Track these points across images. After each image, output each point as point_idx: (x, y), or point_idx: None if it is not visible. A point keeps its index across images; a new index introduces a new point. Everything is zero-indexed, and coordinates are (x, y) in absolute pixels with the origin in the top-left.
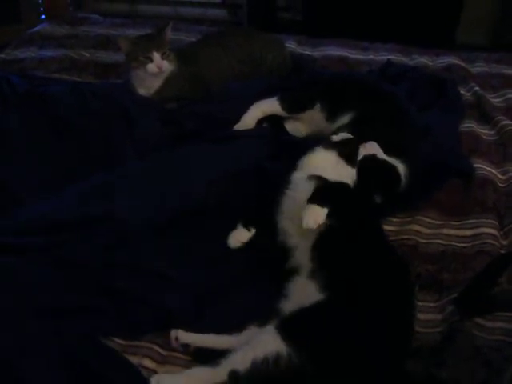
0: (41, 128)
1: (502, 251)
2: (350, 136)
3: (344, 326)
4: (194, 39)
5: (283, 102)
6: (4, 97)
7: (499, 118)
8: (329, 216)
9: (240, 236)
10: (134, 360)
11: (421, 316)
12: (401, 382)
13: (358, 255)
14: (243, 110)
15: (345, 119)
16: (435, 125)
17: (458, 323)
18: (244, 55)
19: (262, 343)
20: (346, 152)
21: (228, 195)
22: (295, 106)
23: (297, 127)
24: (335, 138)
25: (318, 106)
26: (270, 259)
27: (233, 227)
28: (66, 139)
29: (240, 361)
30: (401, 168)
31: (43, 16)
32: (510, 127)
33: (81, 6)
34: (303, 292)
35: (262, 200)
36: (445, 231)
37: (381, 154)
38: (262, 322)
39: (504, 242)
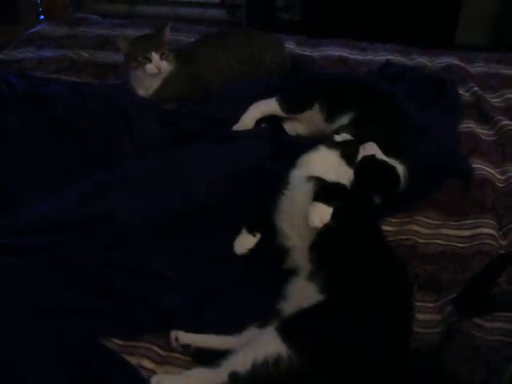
0: (40, 128)
1: (501, 251)
2: (351, 137)
3: (343, 328)
4: (192, 39)
5: (282, 103)
6: (3, 97)
7: (498, 118)
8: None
9: (246, 242)
10: (132, 360)
11: (420, 316)
12: (401, 382)
13: (357, 256)
14: (242, 110)
15: (344, 120)
16: (434, 125)
17: (457, 323)
18: (243, 55)
19: (262, 345)
20: (348, 153)
21: (228, 195)
22: (294, 106)
23: (296, 127)
24: (337, 138)
25: (316, 107)
26: (269, 260)
27: (233, 227)
28: (65, 139)
29: (240, 362)
30: (400, 168)
31: (42, 16)
32: (509, 127)
33: (79, 7)
34: (303, 293)
35: (261, 200)
36: (444, 231)
37: (380, 155)
38: (262, 322)
39: (503, 243)
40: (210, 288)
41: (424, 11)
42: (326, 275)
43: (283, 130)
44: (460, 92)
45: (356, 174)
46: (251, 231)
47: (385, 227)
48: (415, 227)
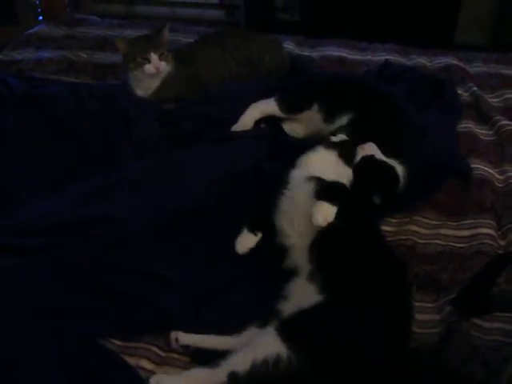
0: (40, 128)
1: (500, 251)
2: (347, 138)
3: (343, 328)
4: (191, 40)
5: (281, 103)
6: (2, 98)
7: (497, 118)
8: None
9: (247, 242)
10: (131, 361)
11: (419, 316)
12: (400, 382)
13: (356, 256)
14: (241, 110)
15: (342, 120)
16: (433, 125)
17: (456, 324)
18: (242, 56)
19: (262, 345)
20: (346, 152)
21: (227, 195)
22: (293, 106)
23: (294, 128)
24: (334, 139)
25: (315, 107)
26: (269, 259)
27: (233, 227)
28: (65, 140)
29: (240, 362)
30: (399, 169)
31: (41, 17)
32: (508, 127)
33: (78, 7)
34: (303, 294)
35: (261, 200)
36: (443, 231)
37: (379, 155)
38: (262, 322)
39: (502, 243)
40: (210, 288)
41: (423, 11)
42: (326, 275)
43: (282, 130)
44: (459, 92)
45: (355, 174)
46: (252, 230)
47: (384, 227)
48: (414, 227)
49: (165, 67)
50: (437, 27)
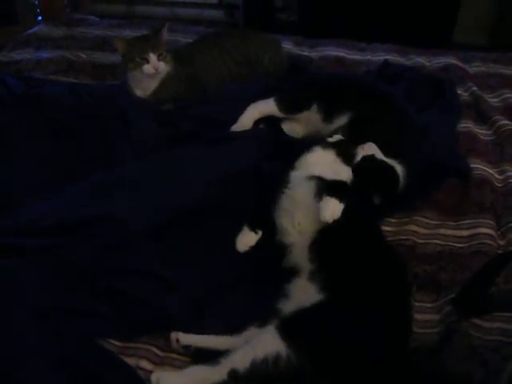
0: (40, 128)
1: (500, 251)
2: (343, 138)
3: (343, 327)
4: (190, 40)
5: (280, 103)
6: (1, 98)
7: (496, 117)
8: None
9: (248, 240)
10: (131, 361)
11: (418, 316)
12: (399, 382)
13: (356, 255)
14: (240, 111)
15: (342, 120)
16: (433, 125)
17: (456, 323)
18: (240, 56)
19: (262, 343)
20: (343, 150)
21: (227, 195)
22: (292, 106)
23: (294, 128)
24: (331, 139)
25: (314, 107)
26: (269, 260)
27: (232, 227)
28: (64, 140)
29: (240, 360)
30: (399, 169)
31: (40, 17)
32: (507, 127)
33: (77, 8)
34: (303, 293)
35: (260, 200)
36: (442, 231)
37: (379, 155)
38: (262, 322)
39: (501, 242)
40: (210, 288)
41: (422, 11)
42: (326, 274)
43: (281, 130)
44: (458, 92)
45: (355, 174)
46: (253, 228)
47: (384, 227)
48: (414, 227)
49: (163, 67)
50: (436, 27)
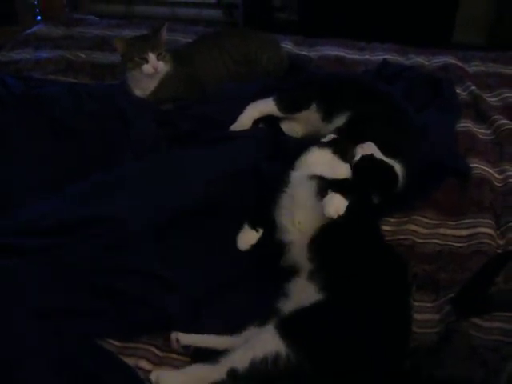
0: (39, 128)
1: (499, 251)
2: (337, 136)
3: (342, 326)
4: (189, 40)
5: (279, 103)
6: (0, 98)
7: (495, 117)
8: None
9: (249, 238)
10: (130, 361)
11: (418, 316)
12: (399, 382)
13: (356, 255)
14: (239, 110)
15: (341, 119)
16: (432, 124)
17: (455, 323)
18: (240, 56)
19: (261, 342)
20: (340, 148)
21: (226, 195)
22: (291, 106)
23: (293, 127)
24: (324, 140)
25: (313, 107)
26: (269, 257)
27: (232, 227)
28: (64, 140)
29: (239, 359)
30: (398, 168)
31: (39, 17)
32: (506, 126)
33: (77, 7)
34: (303, 293)
35: (260, 199)
36: (441, 231)
37: (378, 154)
38: (262, 322)
39: (501, 242)
40: (210, 288)
41: (421, 10)
42: (325, 274)
43: (280, 130)
44: (457, 91)
45: (354, 173)
46: (254, 227)
47: (383, 227)
48: (413, 227)
49: (163, 67)
50: (435, 27)
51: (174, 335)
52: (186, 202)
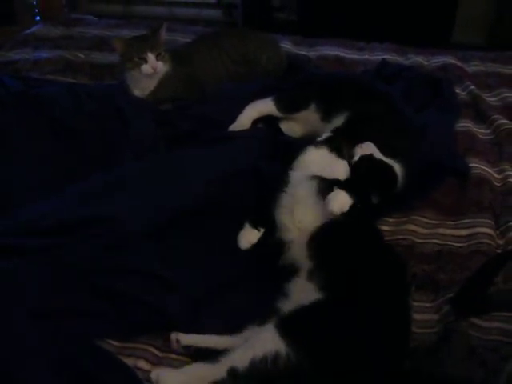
0: (39, 128)
1: (498, 251)
2: (331, 134)
3: (342, 326)
4: (188, 40)
5: (278, 103)
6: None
7: (495, 117)
8: None
9: (250, 237)
10: (129, 362)
11: (417, 316)
12: (399, 382)
13: (356, 254)
14: (238, 110)
15: (340, 119)
16: (431, 124)
17: (454, 323)
18: (239, 56)
19: (261, 341)
20: (336, 146)
21: (226, 195)
22: (290, 106)
23: (292, 127)
24: (320, 138)
25: (312, 106)
26: (269, 256)
27: (232, 227)
28: (64, 140)
29: (239, 358)
30: (397, 168)
31: (38, 17)
32: (506, 126)
33: (75, 7)
34: (303, 293)
35: (260, 199)
36: (441, 231)
37: (377, 154)
38: (262, 322)
39: (500, 242)
40: (210, 288)
41: (420, 10)
42: (325, 273)
43: (280, 130)
44: (456, 91)
45: (353, 173)
46: (255, 226)
47: (382, 227)
48: (412, 227)
49: (162, 67)
50: (434, 26)
51: (174, 335)
52: (186, 202)
